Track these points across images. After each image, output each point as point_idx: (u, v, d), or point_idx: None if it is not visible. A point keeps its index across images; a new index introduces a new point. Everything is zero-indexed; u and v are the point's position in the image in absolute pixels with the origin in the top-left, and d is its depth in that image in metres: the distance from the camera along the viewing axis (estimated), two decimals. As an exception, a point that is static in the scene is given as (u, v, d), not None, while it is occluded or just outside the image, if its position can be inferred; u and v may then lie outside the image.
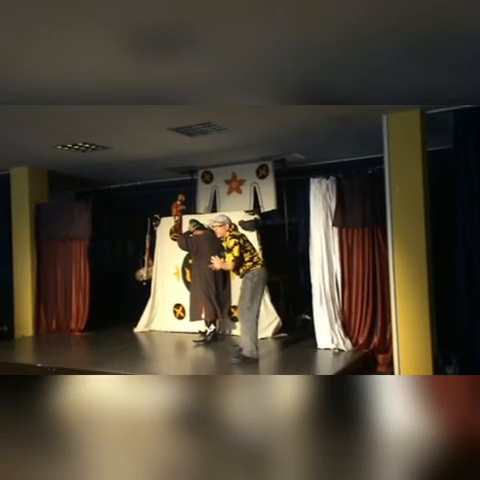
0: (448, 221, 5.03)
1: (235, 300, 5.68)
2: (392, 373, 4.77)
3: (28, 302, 6.97)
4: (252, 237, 5.92)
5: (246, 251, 4.80)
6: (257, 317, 4.75)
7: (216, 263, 4.88)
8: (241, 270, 4.81)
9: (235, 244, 4.73)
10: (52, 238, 6.99)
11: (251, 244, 4.99)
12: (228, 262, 4.78)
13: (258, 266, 4.81)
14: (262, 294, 4.89)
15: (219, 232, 5.00)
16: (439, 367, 4.80)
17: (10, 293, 7.05)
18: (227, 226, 4.96)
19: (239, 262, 4.76)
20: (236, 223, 6.04)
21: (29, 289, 6.98)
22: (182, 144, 5.65)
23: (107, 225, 8.35)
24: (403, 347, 4.73)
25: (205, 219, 6.04)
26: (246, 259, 4.79)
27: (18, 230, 7.06)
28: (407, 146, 4.71)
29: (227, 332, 6.26)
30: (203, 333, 5.93)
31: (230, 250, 4.76)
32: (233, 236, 4.82)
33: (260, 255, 5.30)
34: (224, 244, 4.93)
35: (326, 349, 5.17)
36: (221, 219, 5.02)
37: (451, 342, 5.06)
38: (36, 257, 7.04)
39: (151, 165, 6.83)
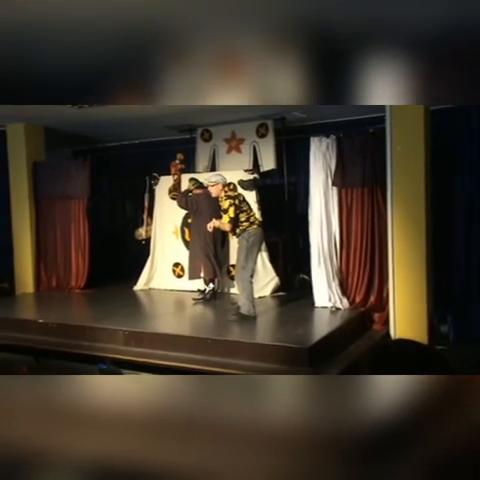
0: (449, 180, 5.00)
1: (234, 259, 5.72)
2: (388, 331, 4.88)
3: (28, 260, 7.02)
4: (251, 197, 5.89)
5: (242, 211, 4.77)
6: (252, 276, 4.79)
7: (212, 225, 4.89)
8: (237, 230, 4.80)
9: (230, 205, 4.69)
10: (50, 196, 6.96)
11: (248, 204, 4.96)
12: (225, 223, 4.76)
13: (254, 226, 4.80)
14: (257, 254, 4.91)
15: (213, 192, 4.96)
16: (434, 326, 4.90)
17: (10, 251, 7.09)
18: (221, 186, 4.91)
19: (235, 222, 4.75)
20: (235, 182, 6.02)
21: (29, 247, 7.01)
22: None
23: (106, 184, 8.29)
24: (399, 306, 4.79)
25: (204, 178, 5.99)
26: (242, 219, 4.76)
27: (16, 188, 7.02)
28: (409, 105, 4.61)
29: (225, 290, 6.34)
30: (202, 291, 6.00)
31: (226, 211, 4.73)
32: (228, 197, 4.78)
33: (257, 215, 5.28)
34: (220, 204, 4.91)
35: (323, 307, 5.24)
36: (214, 179, 4.97)
37: (446, 301, 5.15)
38: (35, 215, 7.04)
39: (149, 123, 6.70)
